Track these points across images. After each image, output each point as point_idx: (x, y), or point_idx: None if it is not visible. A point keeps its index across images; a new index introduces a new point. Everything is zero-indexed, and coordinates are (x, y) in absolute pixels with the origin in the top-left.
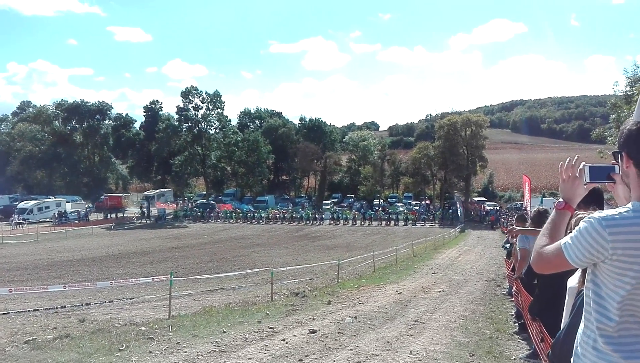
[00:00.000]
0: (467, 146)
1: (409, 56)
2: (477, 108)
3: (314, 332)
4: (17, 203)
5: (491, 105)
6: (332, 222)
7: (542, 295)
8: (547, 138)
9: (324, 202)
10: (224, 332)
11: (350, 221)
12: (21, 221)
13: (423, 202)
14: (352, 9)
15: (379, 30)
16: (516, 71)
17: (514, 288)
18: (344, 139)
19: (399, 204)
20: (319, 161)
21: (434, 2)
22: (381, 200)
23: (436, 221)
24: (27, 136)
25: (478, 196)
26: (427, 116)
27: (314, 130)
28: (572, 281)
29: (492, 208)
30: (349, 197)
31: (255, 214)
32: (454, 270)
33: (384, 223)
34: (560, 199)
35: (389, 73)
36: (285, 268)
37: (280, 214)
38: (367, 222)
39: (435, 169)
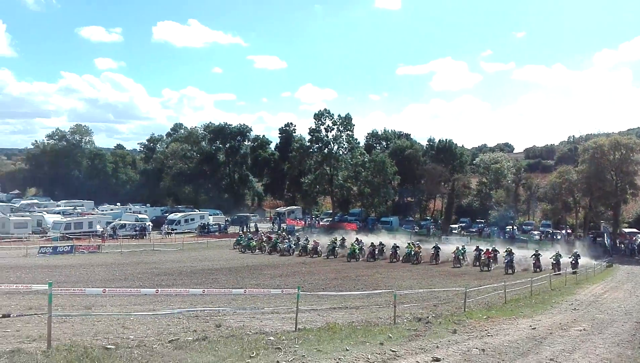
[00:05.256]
0: (616, 172)
1: (546, 74)
2: (628, 130)
3: (437, 360)
4: (167, 214)
5: None
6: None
7: None
8: None
9: (451, 226)
10: (347, 350)
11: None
12: (170, 231)
13: (563, 231)
14: (483, 28)
15: (512, 49)
16: None
17: None
18: (474, 161)
19: (535, 232)
20: (446, 184)
21: (573, 18)
22: (515, 227)
23: None
24: (179, 155)
25: (629, 227)
26: (569, 137)
27: (443, 151)
28: None
29: None
30: (478, 222)
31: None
32: (597, 307)
33: None
34: None
35: (524, 93)
36: (408, 291)
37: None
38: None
39: (579, 196)
